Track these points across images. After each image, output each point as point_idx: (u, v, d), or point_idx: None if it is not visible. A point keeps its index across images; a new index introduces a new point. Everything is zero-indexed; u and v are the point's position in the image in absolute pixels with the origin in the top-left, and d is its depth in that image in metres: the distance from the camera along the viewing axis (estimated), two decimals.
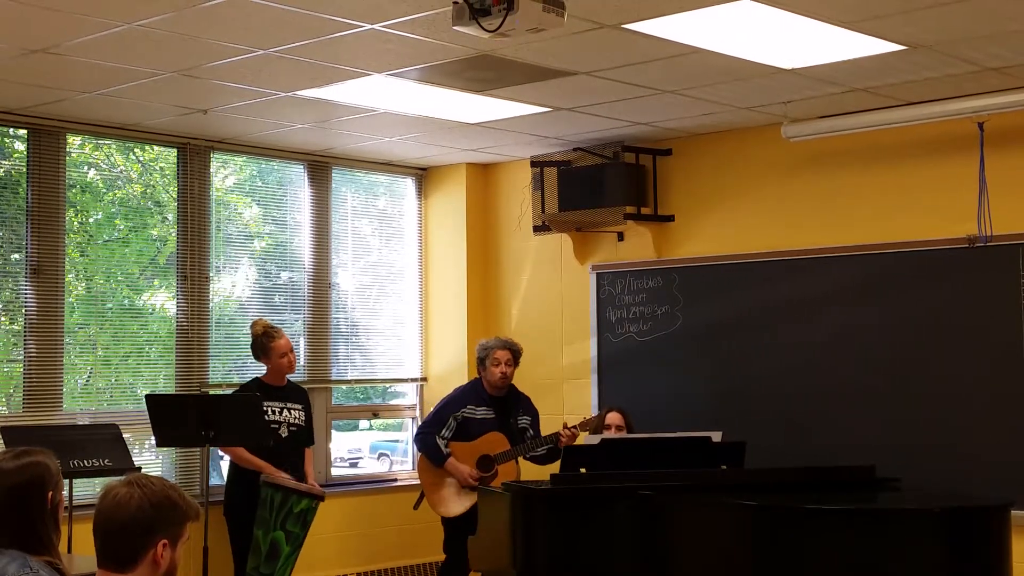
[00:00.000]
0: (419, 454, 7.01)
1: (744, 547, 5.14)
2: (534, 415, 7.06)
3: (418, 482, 7.08)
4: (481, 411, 6.88)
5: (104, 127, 6.90)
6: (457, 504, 6.78)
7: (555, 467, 6.40)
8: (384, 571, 7.94)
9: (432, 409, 7.14)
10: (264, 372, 6.83)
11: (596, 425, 6.81)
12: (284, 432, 6.69)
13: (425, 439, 6.89)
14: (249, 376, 7.03)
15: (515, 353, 6.95)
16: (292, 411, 6.77)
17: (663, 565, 5.27)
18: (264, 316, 7.34)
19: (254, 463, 6.55)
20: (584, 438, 6.59)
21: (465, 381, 7.40)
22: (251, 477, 6.52)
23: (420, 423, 7.11)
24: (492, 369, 6.87)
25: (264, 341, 6.72)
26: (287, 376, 6.86)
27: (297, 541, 6.42)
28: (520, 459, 6.88)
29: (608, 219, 7.48)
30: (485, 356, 6.92)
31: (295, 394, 6.89)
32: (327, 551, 7.60)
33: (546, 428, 6.99)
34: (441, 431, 6.84)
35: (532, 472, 7.02)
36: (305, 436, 6.88)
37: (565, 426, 6.73)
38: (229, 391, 7.08)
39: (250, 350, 6.86)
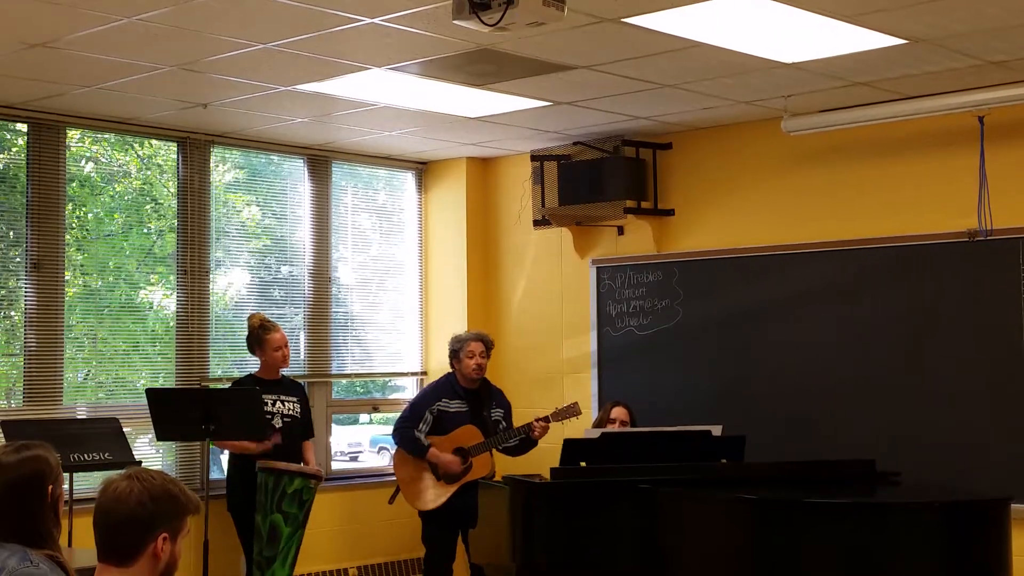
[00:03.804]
0: (395, 448, 7.03)
1: (744, 541, 5.15)
2: (507, 408, 7.08)
3: None
4: (455, 405, 6.89)
5: (104, 121, 6.89)
6: (434, 498, 6.81)
7: (550, 460, 6.40)
8: (384, 565, 7.94)
9: (407, 405, 7.15)
10: (258, 367, 6.88)
11: (601, 419, 6.82)
12: (278, 423, 6.72)
13: (403, 433, 6.91)
14: (248, 371, 7.04)
15: (488, 345, 6.98)
16: (286, 403, 6.81)
17: (662, 559, 5.27)
18: (264, 310, 7.34)
19: (243, 447, 6.60)
20: (585, 432, 6.59)
21: None
22: (250, 469, 6.56)
23: (396, 419, 7.13)
24: (466, 361, 6.89)
25: (260, 333, 6.76)
26: (281, 371, 6.89)
27: (296, 522, 6.48)
28: (494, 451, 6.91)
29: (608, 213, 7.48)
30: (459, 349, 6.94)
31: (290, 387, 6.93)
32: (327, 544, 7.61)
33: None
34: (418, 425, 6.86)
35: (506, 463, 7.03)
36: (301, 428, 6.89)
37: (537, 419, 6.75)
38: (228, 385, 7.10)
39: (245, 343, 6.89)
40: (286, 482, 6.44)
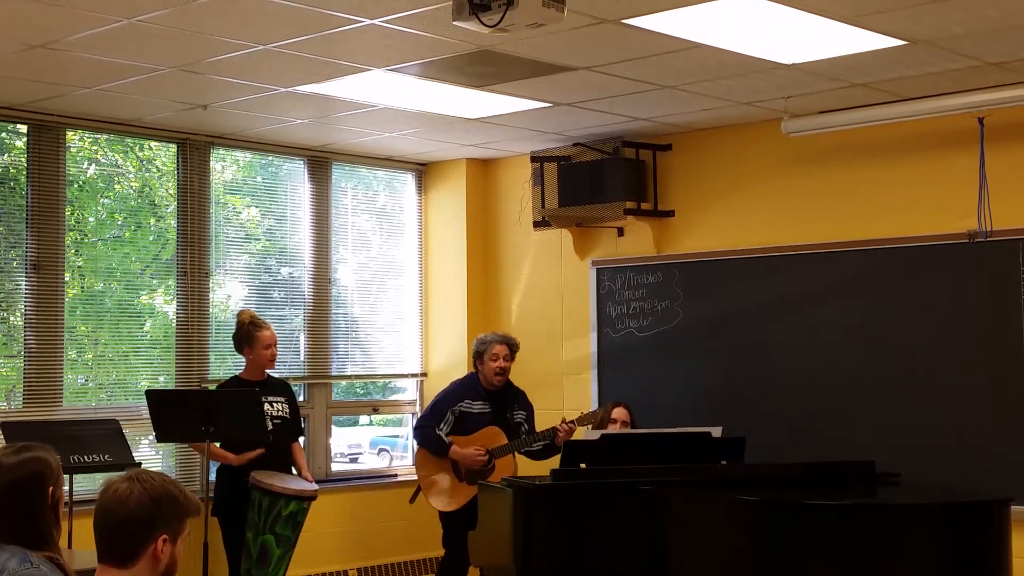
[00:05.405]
0: (417, 448, 7.01)
1: (744, 542, 5.14)
2: (529, 410, 7.05)
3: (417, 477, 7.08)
4: (478, 405, 6.87)
5: (104, 123, 6.90)
6: (454, 498, 6.78)
7: (553, 461, 6.41)
8: (384, 567, 7.94)
9: (429, 403, 7.13)
10: (242, 369, 6.74)
11: (600, 419, 6.81)
12: (269, 426, 6.62)
13: (425, 433, 6.87)
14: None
15: (512, 348, 6.94)
16: (275, 404, 6.64)
17: (663, 560, 5.27)
18: (263, 312, 7.33)
19: (222, 456, 6.48)
20: (585, 433, 6.59)
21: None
22: (237, 474, 6.43)
23: (417, 418, 7.09)
24: (490, 364, 6.87)
25: (250, 330, 6.61)
26: (267, 372, 6.74)
27: (288, 543, 6.37)
28: (516, 454, 6.88)
29: (608, 214, 7.48)
30: (483, 351, 6.91)
31: (277, 388, 6.76)
32: (327, 546, 7.60)
33: (544, 423, 6.99)
34: (440, 425, 6.83)
35: (529, 467, 7.02)
36: (291, 429, 6.75)
37: (563, 421, 6.73)
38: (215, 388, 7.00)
39: (232, 341, 6.74)
40: (282, 505, 6.29)
